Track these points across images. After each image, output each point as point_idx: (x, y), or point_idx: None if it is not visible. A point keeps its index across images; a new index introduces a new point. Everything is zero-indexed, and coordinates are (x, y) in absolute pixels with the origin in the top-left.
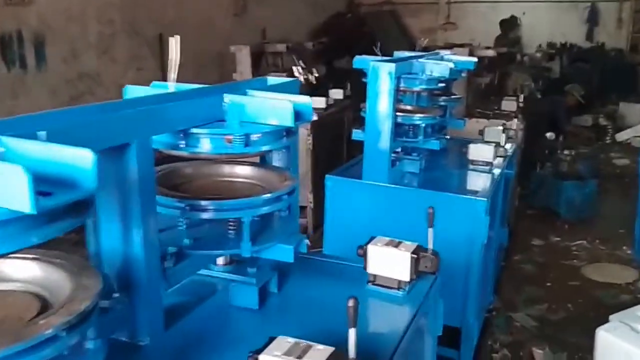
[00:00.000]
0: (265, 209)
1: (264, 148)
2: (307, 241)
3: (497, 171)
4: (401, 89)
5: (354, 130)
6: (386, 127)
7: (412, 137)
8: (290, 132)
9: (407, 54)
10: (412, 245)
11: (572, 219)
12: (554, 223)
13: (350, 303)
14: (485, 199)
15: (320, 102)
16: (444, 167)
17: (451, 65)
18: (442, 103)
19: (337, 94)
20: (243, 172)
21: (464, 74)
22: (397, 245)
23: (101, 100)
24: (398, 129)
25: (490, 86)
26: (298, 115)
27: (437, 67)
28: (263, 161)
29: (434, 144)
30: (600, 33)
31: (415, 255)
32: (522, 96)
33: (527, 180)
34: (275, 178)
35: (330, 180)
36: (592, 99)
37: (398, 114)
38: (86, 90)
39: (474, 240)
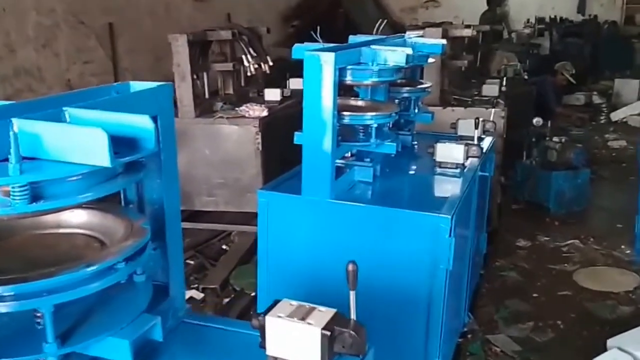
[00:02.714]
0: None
1: (68, 202)
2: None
3: (469, 174)
4: (349, 82)
5: (296, 133)
6: (327, 130)
7: (364, 140)
8: (134, 165)
9: (363, 38)
10: (327, 314)
11: (562, 213)
12: (542, 219)
13: (350, 267)
14: (449, 216)
15: (274, 94)
16: (405, 172)
17: (409, 51)
18: (406, 94)
19: (297, 83)
20: (76, 220)
21: (432, 59)
22: (305, 316)
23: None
24: (346, 131)
25: (472, 68)
26: (130, 144)
27: (392, 54)
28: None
29: (388, 147)
30: (592, 5)
31: (327, 332)
32: (504, 79)
33: (511, 171)
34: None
35: (263, 196)
36: (584, 76)
37: (344, 113)
38: (24, 88)
39: (437, 266)
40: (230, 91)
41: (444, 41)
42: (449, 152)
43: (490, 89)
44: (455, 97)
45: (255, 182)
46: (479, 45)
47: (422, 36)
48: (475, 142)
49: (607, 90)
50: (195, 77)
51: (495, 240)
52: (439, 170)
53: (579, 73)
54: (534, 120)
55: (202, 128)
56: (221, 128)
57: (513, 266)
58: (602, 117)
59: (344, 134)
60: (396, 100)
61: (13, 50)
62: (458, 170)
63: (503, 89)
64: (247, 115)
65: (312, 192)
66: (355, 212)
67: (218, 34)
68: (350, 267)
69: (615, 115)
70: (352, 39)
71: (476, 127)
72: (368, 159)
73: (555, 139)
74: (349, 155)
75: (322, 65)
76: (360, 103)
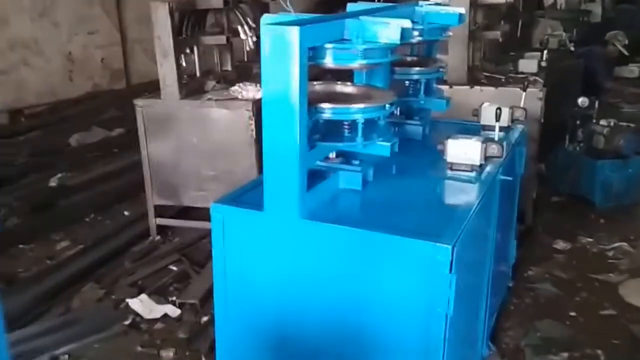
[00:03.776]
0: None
1: None
2: None
3: (487, 179)
4: (329, 66)
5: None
6: (293, 128)
7: (349, 138)
8: None
9: (364, 5)
10: None
11: (609, 209)
12: (585, 215)
13: None
14: (449, 246)
15: None
16: (407, 177)
17: (406, 24)
18: (415, 76)
19: None
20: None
21: (449, 32)
22: None
23: (40, 72)
24: (328, 126)
25: (512, 39)
26: None
27: (383, 28)
28: None
29: (380, 149)
30: None
31: None
32: (545, 52)
33: (552, 158)
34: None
35: (218, 211)
36: (639, 45)
37: (321, 105)
38: (19, 61)
39: (432, 310)
40: (229, 68)
41: (462, 10)
42: (463, 151)
43: (528, 63)
44: (487, 74)
45: (250, 174)
46: (520, 13)
47: (445, 4)
48: (496, 137)
49: None
50: (187, 52)
51: (528, 242)
52: (449, 173)
53: (633, 43)
54: (579, 100)
55: (189, 112)
56: (210, 112)
57: (548, 275)
58: None
59: (325, 129)
60: (406, 83)
61: (6, 21)
62: (474, 174)
63: (543, 63)
64: (239, 96)
65: (277, 207)
66: (330, 235)
67: (207, 2)
68: None
69: None
70: (351, 6)
71: (497, 119)
72: (357, 161)
73: (602, 121)
74: (333, 155)
75: (284, 43)
76: (348, 90)
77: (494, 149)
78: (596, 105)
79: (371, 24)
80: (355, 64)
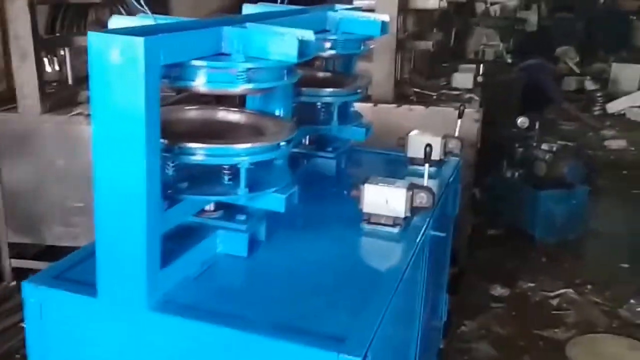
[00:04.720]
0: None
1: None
2: None
3: (413, 234)
4: (201, 90)
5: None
6: (138, 177)
7: (230, 188)
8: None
9: (262, 7)
10: None
11: (551, 244)
12: (525, 253)
13: None
14: (358, 358)
15: None
16: (313, 233)
17: (307, 35)
18: (328, 99)
19: None
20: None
21: (370, 45)
22: None
23: None
24: (203, 171)
25: (444, 49)
26: None
27: (276, 41)
28: None
29: (267, 201)
30: None
31: None
32: (481, 65)
33: (488, 185)
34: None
35: (33, 293)
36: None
37: (191, 144)
38: None
39: None
40: None
41: (387, 17)
42: (383, 199)
43: (464, 78)
44: (417, 90)
45: None
46: (454, 21)
47: (368, 9)
48: (425, 181)
49: (602, 75)
50: (61, 54)
51: (462, 288)
52: (367, 228)
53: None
54: (519, 121)
55: (52, 129)
56: (79, 129)
57: (485, 332)
58: (596, 108)
59: (197, 174)
60: (318, 105)
61: None
62: (397, 230)
63: (479, 78)
64: None
65: (115, 292)
66: (189, 335)
67: None
68: None
69: (613, 107)
70: (247, 8)
71: (426, 159)
72: (242, 216)
73: (544, 146)
74: (211, 208)
75: (124, 60)
76: (233, 118)
77: (422, 198)
78: (537, 127)
79: (258, 34)
80: (236, 89)
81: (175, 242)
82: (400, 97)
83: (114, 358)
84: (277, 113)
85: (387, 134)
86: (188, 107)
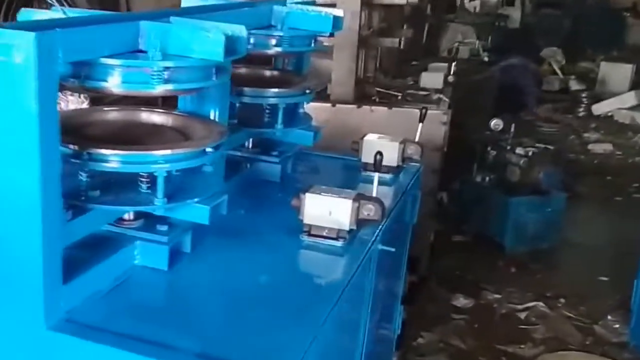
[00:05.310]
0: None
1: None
2: None
3: (360, 249)
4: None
5: None
6: (31, 183)
7: (147, 197)
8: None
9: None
10: None
11: (521, 254)
12: (492, 262)
13: None
14: None
15: None
16: (246, 244)
17: (239, 31)
18: (272, 100)
19: None
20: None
21: (323, 42)
22: None
23: None
24: (119, 178)
25: (415, 47)
26: None
27: (199, 38)
28: None
29: (197, 213)
30: None
31: None
32: (454, 64)
33: (456, 189)
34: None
35: None
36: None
37: (103, 150)
38: None
39: None
40: None
41: (340, 12)
42: (326, 210)
43: (433, 77)
44: (381, 90)
45: None
46: (427, 16)
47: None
48: (374, 192)
49: (589, 74)
50: None
51: (421, 297)
52: (307, 240)
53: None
54: (492, 123)
55: None
56: None
57: (444, 345)
58: (581, 109)
59: (113, 182)
60: (265, 106)
61: None
62: (340, 244)
63: (450, 78)
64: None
65: (11, 309)
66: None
67: None
68: None
69: (598, 108)
70: (186, 1)
71: (376, 168)
72: (164, 226)
73: (519, 150)
74: (130, 217)
75: (13, 58)
76: (157, 120)
77: (370, 210)
78: (512, 129)
79: (179, 29)
80: (153, 90)
81: (88, 253)
82: (362, 97)
83: None
84: (211, 115)
85: (346, 137)
86: (108, 109)
